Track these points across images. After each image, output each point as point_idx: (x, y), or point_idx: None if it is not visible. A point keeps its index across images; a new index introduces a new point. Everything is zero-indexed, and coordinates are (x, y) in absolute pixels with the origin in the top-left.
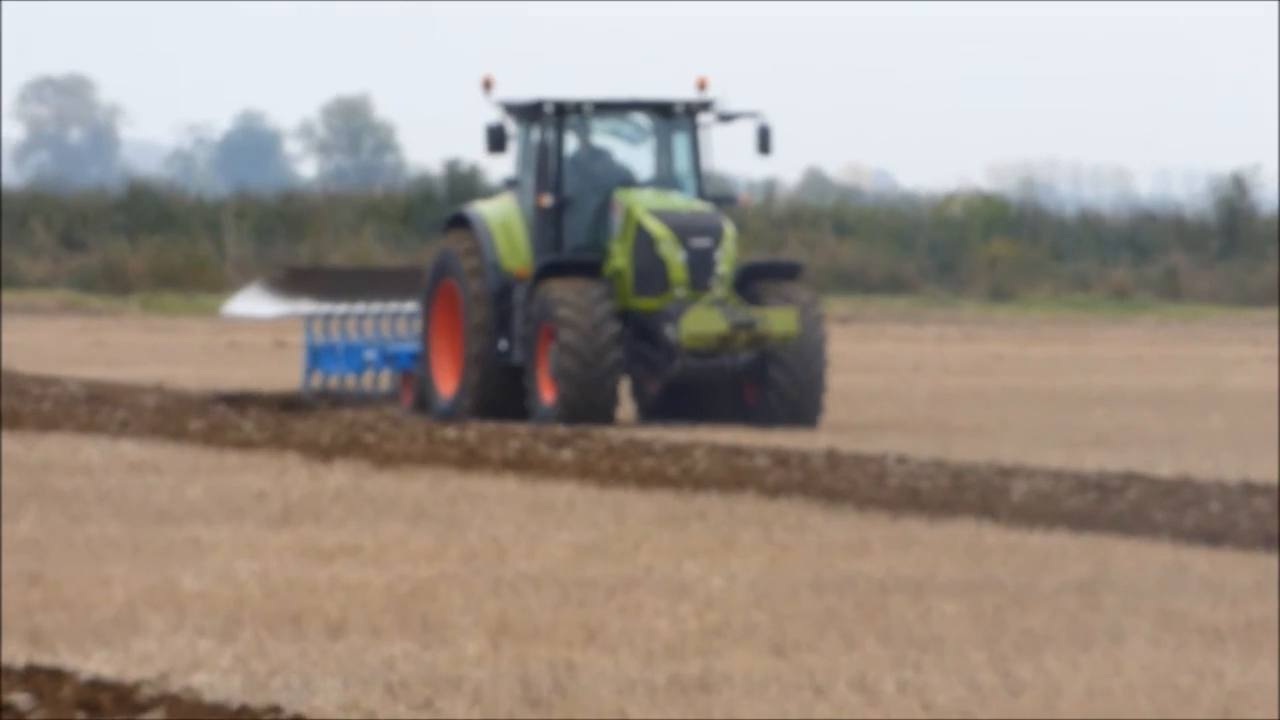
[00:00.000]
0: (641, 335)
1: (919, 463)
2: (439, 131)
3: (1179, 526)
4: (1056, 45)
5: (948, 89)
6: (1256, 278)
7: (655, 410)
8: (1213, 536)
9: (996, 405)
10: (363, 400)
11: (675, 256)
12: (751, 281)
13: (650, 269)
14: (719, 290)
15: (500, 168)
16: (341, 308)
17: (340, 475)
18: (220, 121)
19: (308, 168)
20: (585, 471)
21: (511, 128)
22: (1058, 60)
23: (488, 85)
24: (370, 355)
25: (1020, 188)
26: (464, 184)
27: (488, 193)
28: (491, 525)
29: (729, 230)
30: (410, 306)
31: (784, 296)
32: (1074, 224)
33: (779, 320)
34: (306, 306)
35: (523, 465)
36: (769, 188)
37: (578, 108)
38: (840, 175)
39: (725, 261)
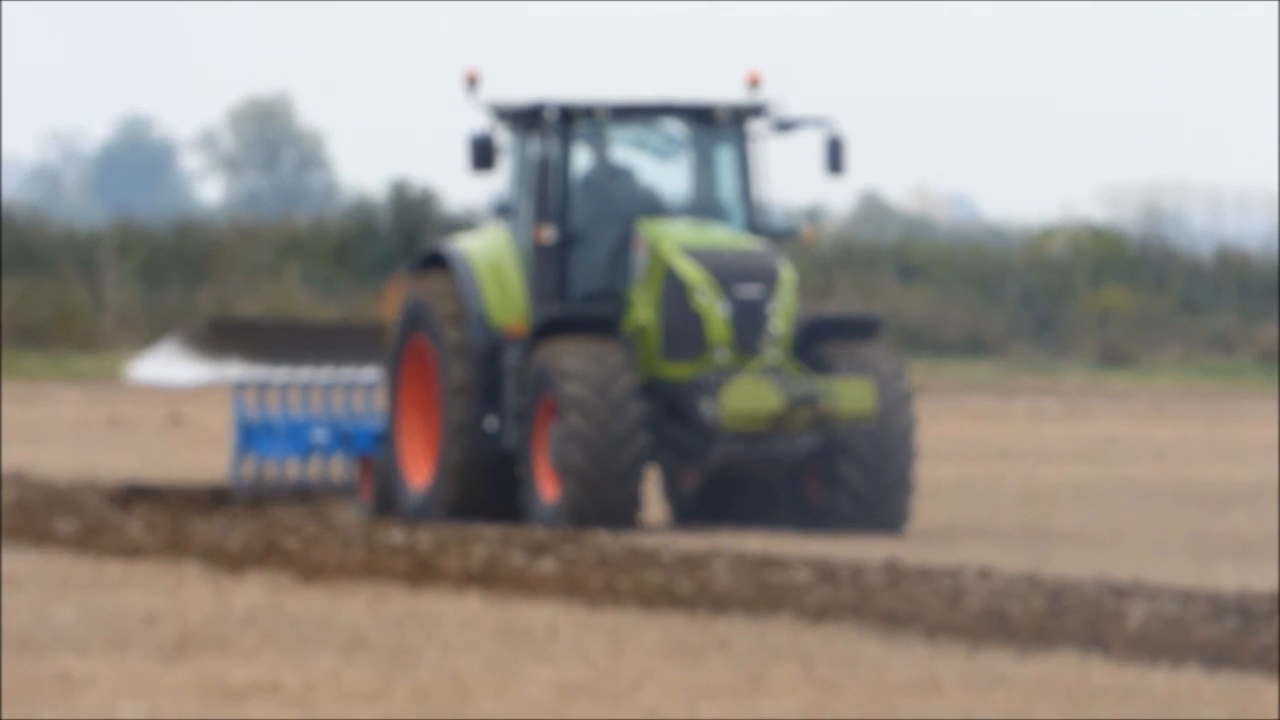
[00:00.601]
0: (671, 412)
1: (1006, 578)
2: (381, 142)
3: None
4: (1186, 36)
5: (1046, 92)
6: None
7: (692, 510)
8: None
9: (1108, 504)
10: (308, 494)
11: (715, 310)
12: (816, 343)
13: (683, 326)
14: (772, 355)
15: (479, 190)
16: (282, 373)
17: (253, 592)
18: (96, 129)
19: (211, 189)
20: (571, 588)
21: (503, 138)
22: (1188, 55)
23: (472, 82)
24: (320, 435)
25: (1141, 219)
26: (414, 211)
27: (445, 224)
28: (450, 658)
29: (787, 275)
30: (370, 373)
31: (858, 363)
32: (1211, 266)
33: (851, 394)
34: (236, 371)
35: (490, 579)
36: (813, 216)
37: (590, 113)
38: (905, 201)
39: (781, 316)
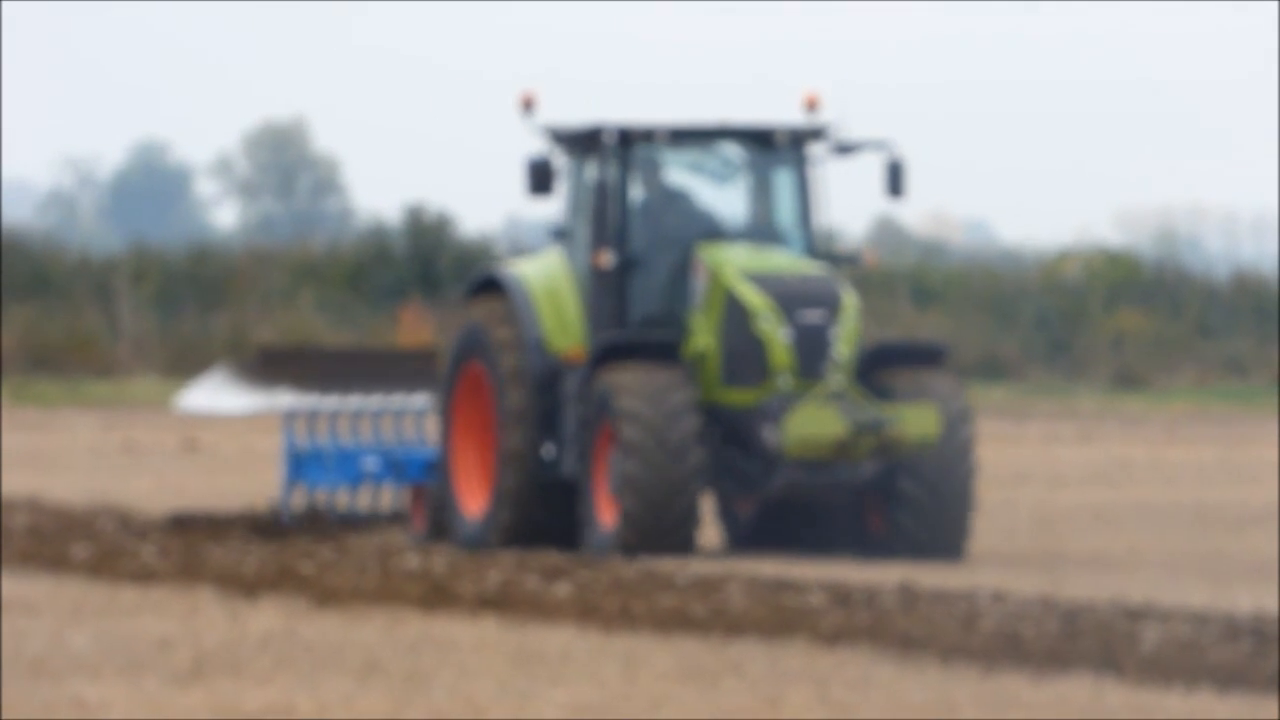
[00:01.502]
0: (732, 439)
1: (1021, 601)
2: (398, 168)
3: None
4: (1202, 57)
5: (1061, 117)
6: None
7: (749, 536)
8: None
9: (1123, 527)
10: (360, 523)
11: (778, 335)
12: (878, 369)
13: (744, 351)
14: (836, 381)
15: (494, 215)
16: (331, 401)
17: (268, 617)
18: (111, 155)
19: (226, 215)
20: (586, 612)
21: (560, 162)
22: (1204, 76)
23: (528, 105)
24: (371, 463)
25: (1157, 243)
26: (430, 236)
27: (461, 250)
28: (465, 681)
29: (849, 301)
30: (420, 399)
31: (921, 389)
32: (1227, 290)
33: (916, 421)
34: (286, 399)
35: (504, 603)
36: (825, 240)
37: (648, 136)
38: (921, 226)
39: (845, 342)
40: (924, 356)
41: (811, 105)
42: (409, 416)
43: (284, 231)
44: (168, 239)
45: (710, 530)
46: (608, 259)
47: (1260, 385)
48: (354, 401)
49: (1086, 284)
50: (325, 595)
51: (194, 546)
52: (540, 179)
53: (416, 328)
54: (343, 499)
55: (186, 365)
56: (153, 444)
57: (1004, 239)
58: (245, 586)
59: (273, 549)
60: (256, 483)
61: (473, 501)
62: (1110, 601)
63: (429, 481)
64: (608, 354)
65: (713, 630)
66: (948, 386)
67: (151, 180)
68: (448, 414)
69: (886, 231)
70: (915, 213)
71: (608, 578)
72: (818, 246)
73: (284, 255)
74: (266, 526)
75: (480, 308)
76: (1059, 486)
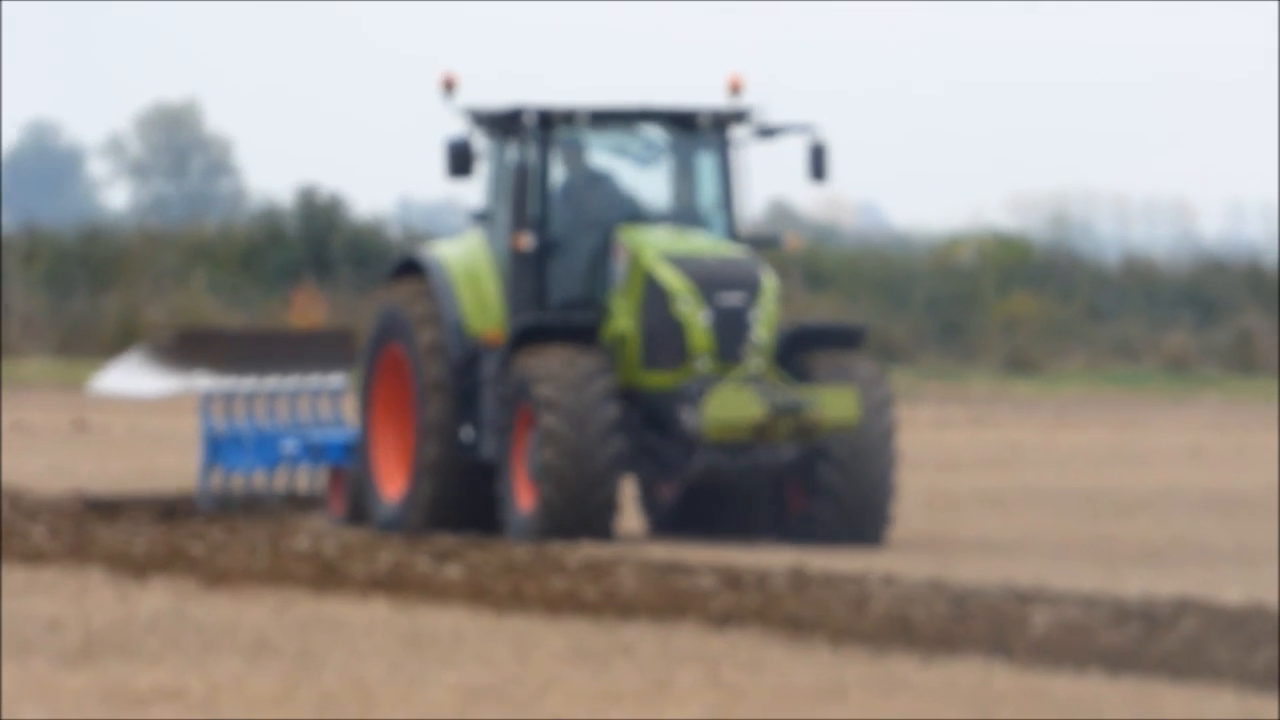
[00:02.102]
0: (651, 423)
1: (911, 584)
2: (291, 149)
3: (1247, 669)
4: (1092, 45)
5: (955, 100)
6: None
7: (671, 521)
8: None
9: (1013, 510)
10: (277, 507)
11: (697, 318)
12: (798, 351)
13: (663, 334)
14: (755, 363)
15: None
16: (249, 383)
17: (158, 597)
18: (2, 135)
19: (118, 196)
20: (477, 594)
21: (481, 144)
22: (1098, 64)
23: (449, 86)
24: (289, 446)
25: (1048, 227)
26: (323, 218)
27: (354, 231)
28: (355, 663)
29: (769, 283)
30: (336, 379)
31: (841, 371)
32: (1117, 274)
33: (834, 403)
34: (204, 381)
35: (395, 585)
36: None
37: (569, 118)
38: (813, 209)
39: (764, 325)
40: (843, 339)
41: (735, 89)
42: (324, 397)
43: (176, 212)
44: (59, 219)
45: (631, 516)
46: (527, 241)
47: (1151, 368)
48: (271, 383)
49: (978, 268)
50: (215, 576)
51: (83, 527)
52: (460, 161)
53: (309, 309)
54: (260, 481)
55: (77, 346)
56: (43, 424)
57: (896, 222)
58: (135, 567)
59: (163, 530)
60: (148, 464)
61: (391, 484)
62: (1000, 585)
63: (347, 464)
64: (526, 336)
65: (604, 612)
66: (868, 370)
67: (43, 161)
68: (367, 397)
69: (779, 214)
70: (808, 195)
71: (499, 560)
72: (739, 230)
73: (176, 236)
74: (178, 509)
75: (400, 290)
76: (950, 470)
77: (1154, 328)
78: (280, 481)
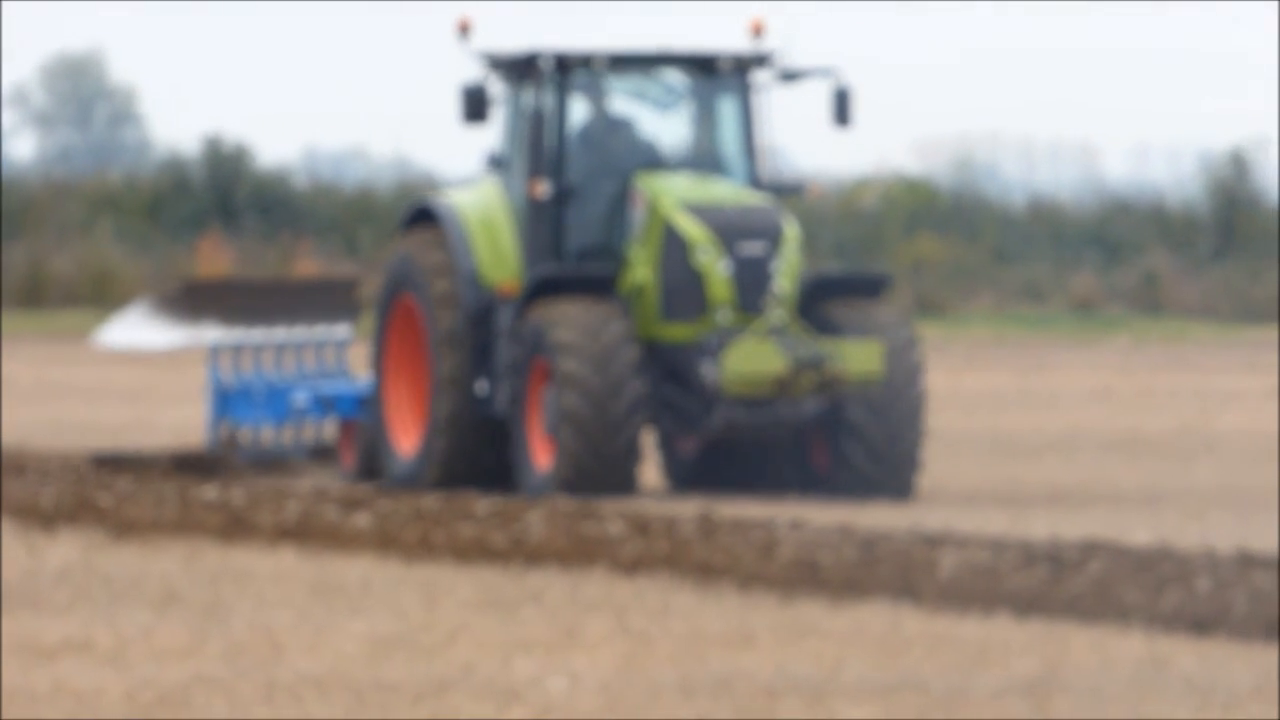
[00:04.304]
0: (671, 376)
1: (818, 529)
2: (196, 97)
3: (1155, 610)
4: None
5: (857, 44)
6: (1259, 286)
7: (692, 476)
8: (1199, 623)
9: None
10: (288, 460)
11: (717, 268)
12: (821, 302)
13: (683, 285)
14: (776, 315)
15: (292, 146)
16: (257, 334)
17: (66, 549)
18: None
19: (23, 146)
20: (385, 542)
21: (496, 89)
22: (998, 7)
23: (464, 30)
24: (301, 399)
25: (954, 170)
26: (229, 167)
27: (259, 180)
28: (263, 612)
29: (791, 232)
30: (343, 330)
31: (866, 323)
32: (1023, 216)
33: (858, 356)
34: (211, 333)
35: (303, 534)
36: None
37: (587, 62)
38: None
39: (786, 275)
40: (866, 287)
41: (757, 31)
42: (330, 348)
43: (82, 163)
44: None
45: (650, 470)
46: (543, 189)
47: (1057, 310)
48: (280, 334)
49: (884, 212)
50: (123, 527)
51: None
52: (475, 106)
53: (215, 258)
54: (268, 435)
55: None
56: None
57: (802, 166)
58: (43, 519)
59: (71, 481)
60: (56, 412)
61: (405, 439)
62: (908, 529)
63: (360, 417)
64: (541, 288)
65: (512, 560)
66: (893, 320)
67: None
68: (380, 349)
69: None
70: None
71: (407, 508)
72: (761, 177)
73: (81, 186)
74: (193, 462)
75: (413, 239)
76: None
77: (1060, 269)
78: (288, 434)
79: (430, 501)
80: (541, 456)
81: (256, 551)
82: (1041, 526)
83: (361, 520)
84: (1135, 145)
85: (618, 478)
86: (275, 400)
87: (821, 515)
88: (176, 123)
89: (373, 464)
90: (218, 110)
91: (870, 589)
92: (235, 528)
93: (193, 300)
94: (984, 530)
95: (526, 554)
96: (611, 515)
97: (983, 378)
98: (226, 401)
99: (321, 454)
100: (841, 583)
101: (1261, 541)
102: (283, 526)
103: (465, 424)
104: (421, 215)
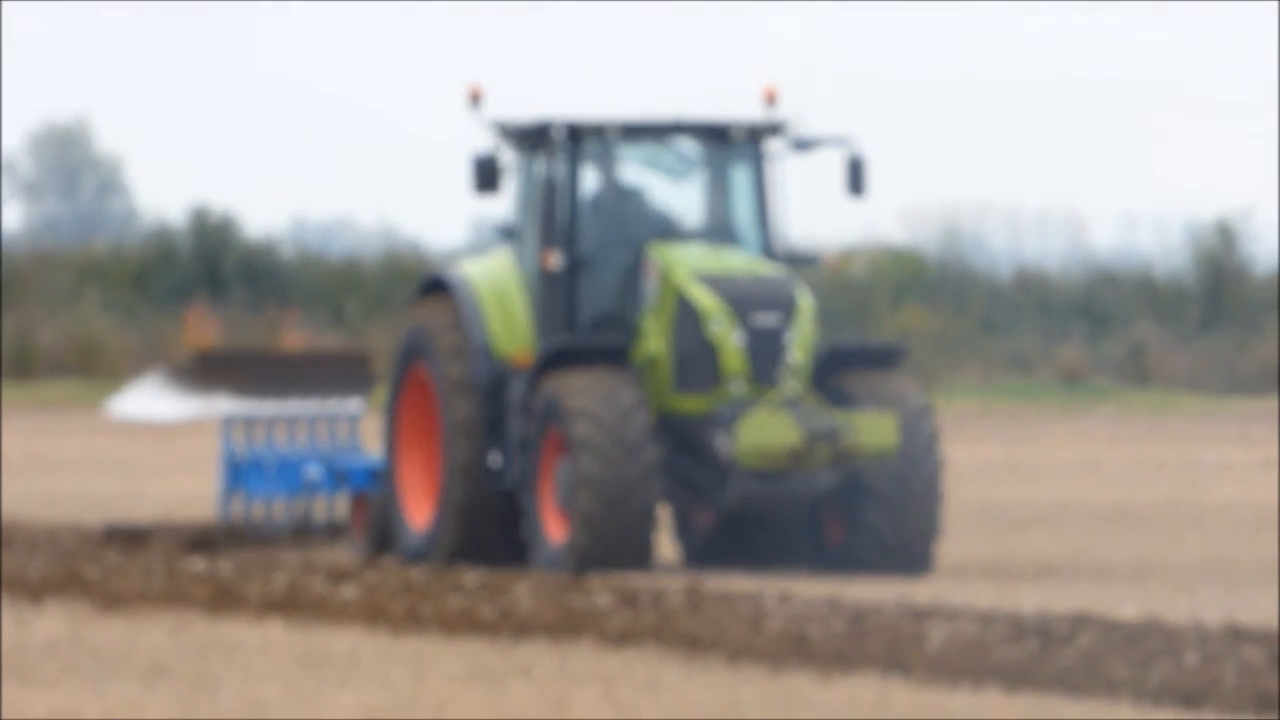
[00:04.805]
0: (684, 447)
1: (807, 602)
2: (181, 169)
3: (1144, 683)
4: (978, 54)
5: (847, 115)
6: (1247, 357)
7: (707, 551)
8: (1188, 696)
9: None
10: (301, 535)
11: (730, 339)
12: (835, 373)
13: (696, 356)
14: (790, 386)
15: (279, 217)
16: (269, 407)
17: (54, 621)
18: None
19: (11, 216)
20: (373, 614)
21: (508, 158)
22: (984, 76)
23: (476, 98)
24: (313, 472)
25: (941, 240)
26: (215, 238)
27: (246, 250)
28: (251, 685)
29: (805, 303)
30: (355, 404)
31: (881, 395)
32: (1010, 287)
33: (873, 428)
34: (224, 405)
35: (291, 606)
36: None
37: (599, 131)
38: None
39: (800, 346)
40: (880, 358)
41: (770, 99)
42: (343, 422)
43: (69, 232)
44: None
45: (664, 543)
46: (556, 259)
47: (1044, 381)
48: (292, 406)
49: (871, 282)
50: (111, 599)
51: None
52: (486, 176)
53: (202, 328)
54: (279, 508)
55: None
56: None
57: (790, 236)
58: (30, 591)
59: (59, 553)
60: (44, 484)
61: (418, 513)
62: (896, 602)
63: (372, 491)
64: (554, 359)
65: (500, 632)
66: (909, 392)
67: None
68: (392, 421)
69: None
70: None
71: (395, 580)
72: (775, 247)
73: (68, 256)
74: (201, 539)
75: (426, 310)
76: None
77: (1047, 340)
78: (299, 508)
79: (418, 573)
80: (555, 529)
81: (244, 623)
82: (1030, 599)
83: (349, 592)
84: (1122, 214)
85: (634, 547)
86: (287, 473)
87: (809, 588)
88: (163, 193)
89: (384, 537)
90: (204, 180)
91: (859, 662)
92: (223, 600)
93: (206, 371)
94: (973, 603)
95: (514, 626)
96: (599, 588)
97: (970, 449)
98: (238, 474)
99: (332, 529)
100: (830, 655)
101: (1250, 615)
102: (270, 598)
103: (478, 507)
104: (435, 286)
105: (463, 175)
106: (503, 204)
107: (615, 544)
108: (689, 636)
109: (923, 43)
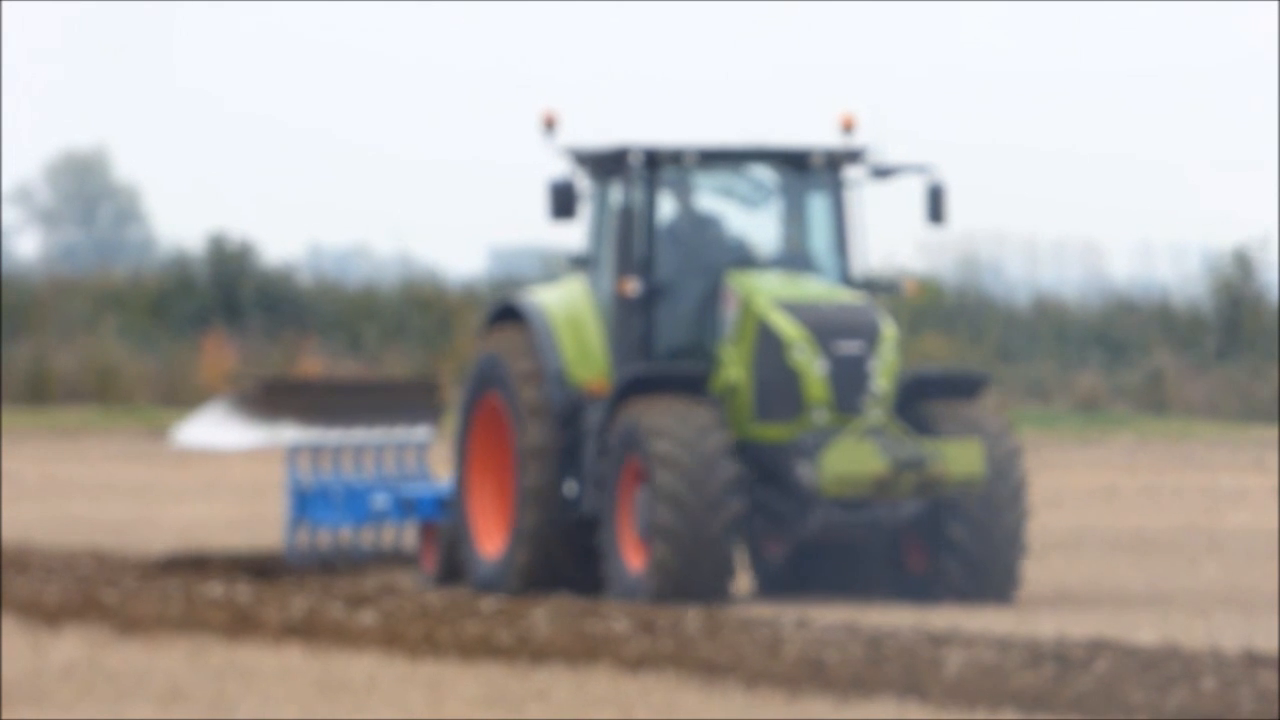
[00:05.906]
0: (765, 477)
1: (825, 627)
2: (200, 195)
3: (1161, 709)
4: (1005, 80)
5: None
6: (1264, 385)
7: (782, 580)
8: None
9: None
10: (367, 564)
11: (813, 367)
12: (919, 401)
13: (778, 384)
14: (875, 415)
15: (297, 244)
16: (336, 435)
17: (71, 646)
18: None
19: (28, 244)
20: (391, 639)
21: (583, 185)
22: (1007, 101)
23: (550, 125)
24: (380, 501)
25: (959, 269)
26: (233, 265)
27: (263, 278)
28: (269, 709)
29: (889, 331)
30: (422, 432)
31: (966, 423)
32: (1028, 315)
33: (959, 457)
34: (290, 433)
35: (309, 631)
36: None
37: (677, 157)
38: None
39: (884, 374)
40: (965, 388)
41: (847, 126)
42: (410, 450)
43: (86, 260)
44: None
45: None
46: (633, 287)
47: (1063, 409)
48: (358, 435)
49: (891, 309)
50: (128, 624)
51: None
52: (562, 202)
53: (219, 356)
54: (345, 537)
55: None
56: None
57: (869, 264)
58: (47, 616)
59: (76, 578)
60: (60, 509)
61: (489, 541)
62: (913, 627)
63: (440, 519)
64: (633, 387)
65: (518, 657)
66: (994, 420)
67: None
68: (463, 448)
69: None
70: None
71: (412, 605)
72: (854, 275)
73: (85, 284)
74: (270, 567)
75: (498, 338)
76: None
77: (1065, 368)
78: (368, 537)
79: (435, 599)
80: (634, 558)
81: (262, 648)
82: (1047, 625)
83: (367, 618)
84: (1139, 244)
85: (711, 587)
86: (354, 502)
87: (826, 613)
88: (181, 220)
89: (454, 566)
90: (222, 208)
91: (877, 687)
92: (241, 625)
93: (271, 400)
94: (990, 629)
95: (532, 652)
96: (616, 613)
97: None
98: (305, 503)
99: (400, 557)
100: (848, 681)
101: (1267, 641)
102: (288, 623)
103: (551, 534)
104: (505, 313)
105: (481, 201)
106: (519, 231)
107: (695, 564)
108: (706, 662)
109: (941, 74)
